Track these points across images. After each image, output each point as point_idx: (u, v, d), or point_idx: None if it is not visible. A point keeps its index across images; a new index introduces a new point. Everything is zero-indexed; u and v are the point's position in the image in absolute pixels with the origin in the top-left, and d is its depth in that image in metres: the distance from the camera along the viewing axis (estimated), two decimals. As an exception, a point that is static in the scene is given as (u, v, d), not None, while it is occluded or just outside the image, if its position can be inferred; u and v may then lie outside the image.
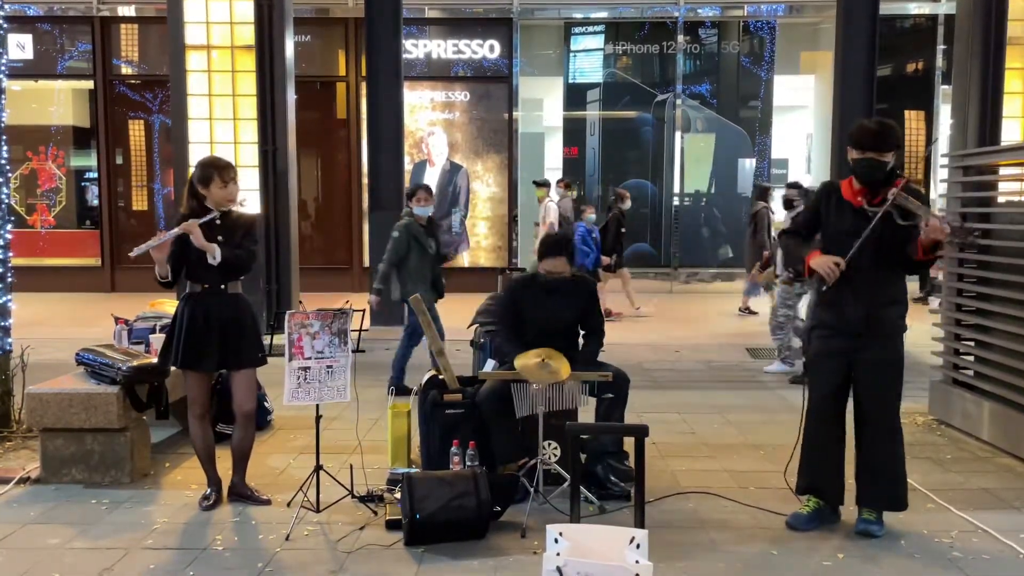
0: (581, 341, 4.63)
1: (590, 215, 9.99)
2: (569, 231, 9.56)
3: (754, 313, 10.18)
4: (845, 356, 3.77)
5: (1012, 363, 4.93)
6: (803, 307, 6.90)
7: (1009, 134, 8.72)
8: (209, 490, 4.15)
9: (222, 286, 4.04)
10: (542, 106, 13.79)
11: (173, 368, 4.24)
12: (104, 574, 3.40)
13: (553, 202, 10.66)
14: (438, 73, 12.66)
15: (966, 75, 8.37)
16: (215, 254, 3.92)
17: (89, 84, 12.64)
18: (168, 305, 5.54)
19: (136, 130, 12.75)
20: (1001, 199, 5.45)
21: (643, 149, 13.05)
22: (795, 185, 7.65)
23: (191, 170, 4.17)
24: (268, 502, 4.13)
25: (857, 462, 3.85)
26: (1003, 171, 5.45)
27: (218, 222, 4.02)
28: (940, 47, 12.38)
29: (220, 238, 3.99)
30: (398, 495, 3.95)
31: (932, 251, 3.59)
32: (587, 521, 3.73)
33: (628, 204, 10.45)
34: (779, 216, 9.18)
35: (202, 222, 3.95)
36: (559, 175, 13.14)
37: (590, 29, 12.85)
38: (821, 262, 3.67)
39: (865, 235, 3.59)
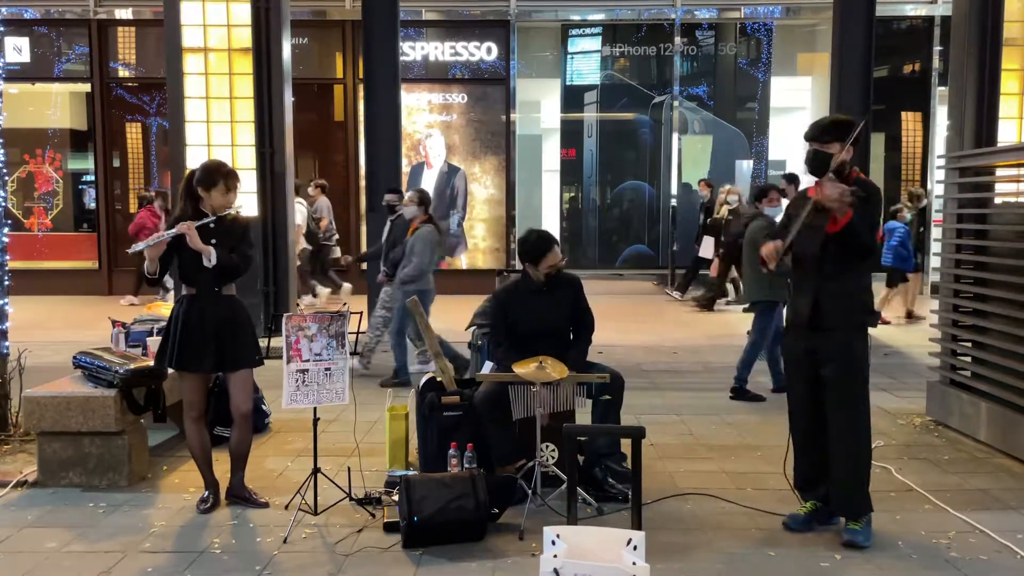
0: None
1: (907, 214, 9.61)
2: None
3: None
4: (809, 353, 3.77)
5: (1009, 364, 4.93)
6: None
7: (1005, 135, 8.72)
8: (206, 492, 4.15)
9: (215, 288, 4.04)
10: (539, 108, 13.81)
11: (171, 371, 4.24)
12: (102, 577, 3.40)
13: (302, 204, 10.53)
14: (435, 75, 12.67)
15: (962, 76, 8.37)
16: (211, 256, 3.94)
17: (86, 87, 12.64)
18: (165, 308, 5.53)
19: (133, 133, 12.75)
20: (997, 200, 5.46)
21: (640, 151, 13.06)
22: (394, 190, 7.62)
23: (188, 172, 4.18)
24: (266, 505, 4.13)
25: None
26: (999, 172, 5.46)
27: (212, 226, 4.02)
28: (936, 48, 12.41)
29: (214, 241, 3.99)
30: (396, 497, 3.95)
31: (847, 228, 3.54)
32: (585, 523, 3.73)
33: (925, 203, 10.04)
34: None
35: (198, 225, 3.96)
36: (557, 176, 13.17)
37: (587, 31, 12.86)
38: (767, 248, 3.75)
39: (801, 218, 3.65)
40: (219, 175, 4.03)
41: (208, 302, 4.03)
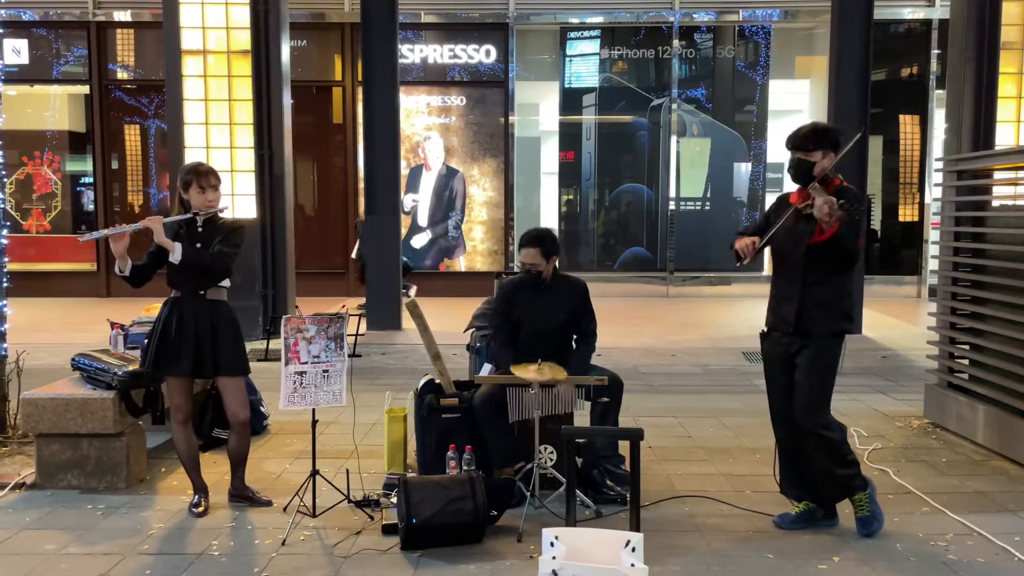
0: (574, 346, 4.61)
1: None
2: None
3: None
4: (787, 358, 3.79)
5: (1007, 366, 4.94)
6: None
7: (1003, 138, 8.74)
8: (197, 497, 4.14)
9: (200, 292, 4.01)
10: (538, 110, 13.81)
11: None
12: (100, 579, 3.39)
13: None
14: (434, 78, 12.68)
15: (960, 79, 8.39)
16: (175, 252, 3.90)
17: (85, 89, 12.63)
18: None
19: (132, 135, 12.75)
20: (995, 203, 5.48)
21: (639, 153, 13.07)
22: None
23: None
24: (269, 503, 4.14)
25: None
26: (997, 175, 5.48)
27: (200, 229, 4.02)
28: (934, 52, 12.43)
29: (199, 245, 3.98)
30: (394, 499, 3.95)
31: (834, 239, 3.54)
32: (583, 525, 3.74)
33: None
34: None
35: (170, 220, 3.96)
36: (555, 179, 13.17)
37: (586, 34, 12.87)
38: (742, 242, 3.76)
39: (781, 221, 3.67)
40: (192, 175, 4.01)
41: (190, 306, 4.00)
